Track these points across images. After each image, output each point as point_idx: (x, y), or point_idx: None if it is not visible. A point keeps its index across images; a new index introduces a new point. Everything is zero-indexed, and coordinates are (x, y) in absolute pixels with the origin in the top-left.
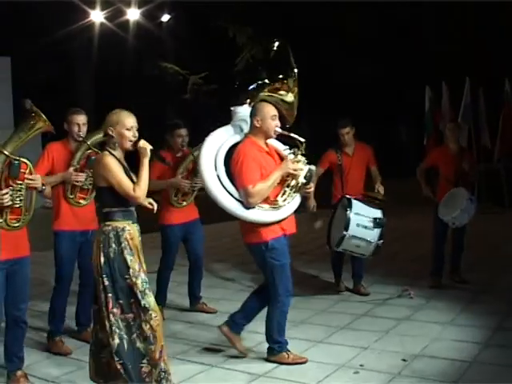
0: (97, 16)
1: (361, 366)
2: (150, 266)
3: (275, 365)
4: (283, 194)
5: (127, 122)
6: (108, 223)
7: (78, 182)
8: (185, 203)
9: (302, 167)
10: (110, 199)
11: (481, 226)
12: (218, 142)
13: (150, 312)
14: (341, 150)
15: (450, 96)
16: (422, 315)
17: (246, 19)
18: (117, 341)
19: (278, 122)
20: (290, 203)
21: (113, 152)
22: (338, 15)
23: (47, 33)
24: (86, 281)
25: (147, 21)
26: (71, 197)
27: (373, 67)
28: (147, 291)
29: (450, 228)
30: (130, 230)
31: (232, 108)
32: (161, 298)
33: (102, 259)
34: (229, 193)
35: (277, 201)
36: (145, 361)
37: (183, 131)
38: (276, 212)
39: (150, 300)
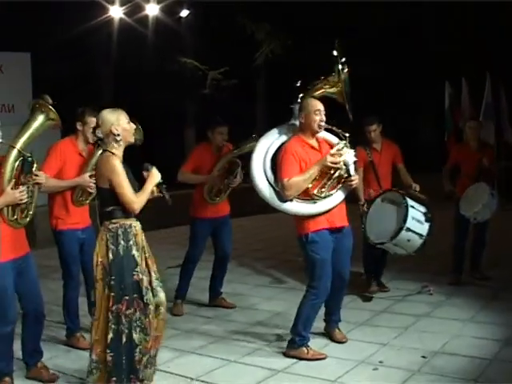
0: (116, 12)
1: (380, 362)
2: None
3: (294, 360)
4: (322, 186)
5: (125, 117)
6: (115, 221)
7: (91, 188)
8: (218, 199)
9: (343, 159)
10: (115, 198)
11: (502, 223)
12: (270, 140)
13: (150, 306)
14: (369, 147)
15: (469, 92)
16: (442, 312)
17: (263, 15)
18: (111, 335)
19: (322, 117)
20: (333, 196)
21: (116, 152)
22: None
23: (67, 29)
24: (88, 277)
25: (166, 16)
26: (80, 199)
27: (386, 64)
28: (150, 287)
29: (472, 224)
30: (136, 226)
31: (292, 106)
32: (181, 291)
33: (111, 257)
34: (272, 187)
35: (316, 194)
36: (137, 350)
37: (224, 129)
38: (315, 205)
39: (150, 295)
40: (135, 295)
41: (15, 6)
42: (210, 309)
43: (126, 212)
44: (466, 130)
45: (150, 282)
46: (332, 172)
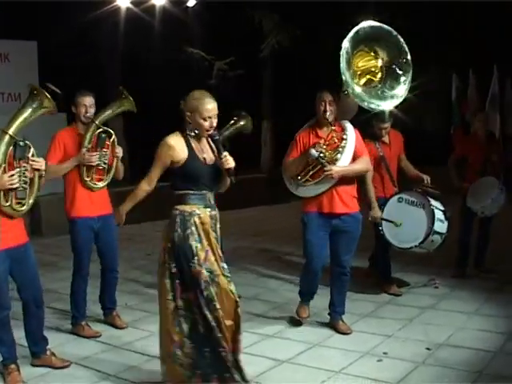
0: (123, 1)
1: (384, 353)
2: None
3: (299, 351)
4: (306, 173)
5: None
6: (176, 207)
7: (91, 162)
8: None
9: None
10: (178, 181)
11: (507, 217)
12: None
13: (214, 303)
14: (378, 141)
15: (477, 85)
16: (447, 304)
17: (272, 6)
18: (189, 325)
19: (326, 107)
20: (316, 183)
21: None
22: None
23: (73, 17)
24: (110, 265)
25: (173, 6)
26: (87, 179)
27: None
28: (214, 280)
29: (477, 218)
30: (200, 213)
31: None
32: None
33: (169, 244)
34: None
35: (298, 179)
36: (220, 346)
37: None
38: (303, 188)
39: (212, 291)
40: (197, 289)
41: None
42: None
43: (196, 194)
44: (475, 123)
45: (214, 274)
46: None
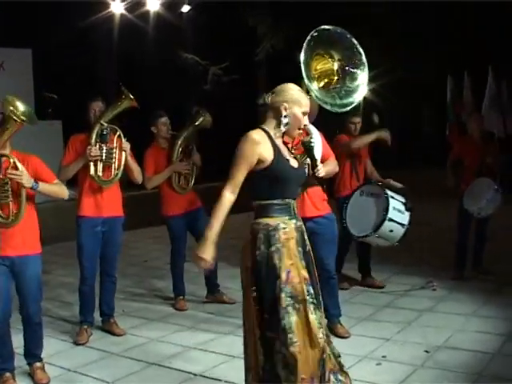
0: (117, 7)
1: (383, 357)
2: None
3: None
4: None
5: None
6: (258, 220)
7: (95, 155)
8: (188, 187)
9: None
10: (261, 187)
11: (505, 217)
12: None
13: (290, 335)
14: (352, 136)
15: (472, 86)
16: (445, 306)
17: (266, 9)
18: (262, 358)
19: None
20: None
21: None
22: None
23: (68, 25)
24: (109, 270)
25: (167, 12)
26: (94, 175)
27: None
28: (292, 308)
29: (474, 219)
30: (286, 228)
31: None
32: (177, 288)
33: (250, 264)
34: None
35: None
36: None
37: (166, 119)
38: None
39: (291, 320)
40: (275, 317)
41: (16, 2)
42: (212, 304)
43: (280, 204)
44: (471, 123)
45: (298, 300)
46: None
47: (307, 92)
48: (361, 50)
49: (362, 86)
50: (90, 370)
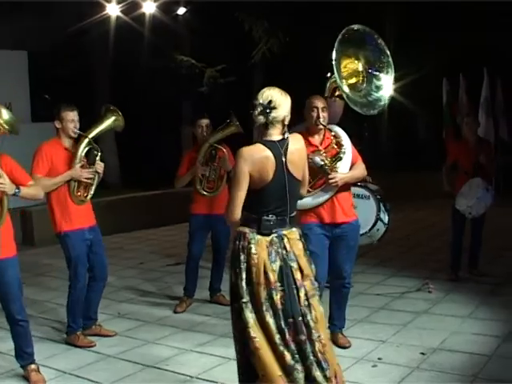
0: (113, 9)
1: (379, 359)
2: None
3: None
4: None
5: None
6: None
7: (88, 178)
8: (214, 191)
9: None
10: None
11: (500, 219)
12: None
13: (313, 331)
14: None
15: (467, 88)
16: (441, 308)
17: (262, 12)
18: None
19: (319, 113)
20: (316, 193)
21: None
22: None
23: (64, 27)
24: (103, 274)
25: (163, 14)
26: (78, 194)
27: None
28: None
29: (468, 221)
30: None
31: None
32: (187, 288)
33: (275, 267)
34: None
35: None
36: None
37: (202, 122)
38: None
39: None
40: (300, 318)
41: (12, 4)
42: (210, 306)
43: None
44: (463, 127)
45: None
46: (315, 171)
47: (330, 96)
48: (387, 52)
49: (386, 88)
50: (85, 373)
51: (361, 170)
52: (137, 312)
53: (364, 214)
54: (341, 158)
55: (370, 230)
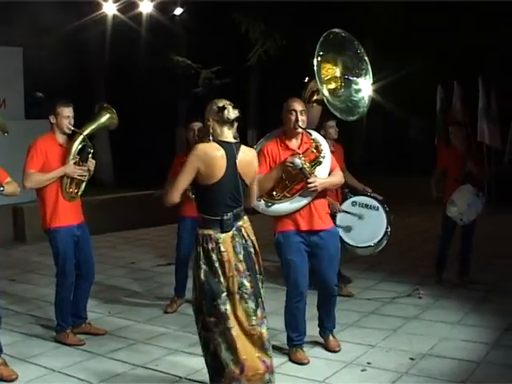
0: (110, 8)
1: (368, 363)
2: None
3: (283, 360)
4: (283, 188)
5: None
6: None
7: (81, 175)
8: None
9: (290, 161)
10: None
11: (492, 227)
12: (259, 144)
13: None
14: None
15: (462, 96)
16: (431, 314)
17: (258, 14)
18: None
19: (298, 116)
20: (293, 199)
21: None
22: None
23: (60, 24)
24: (91, 272)
25: (160, 14)
26: (69, 191)
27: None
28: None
29: (459, 227)
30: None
31: None
32: (176, 289)
33: (241, 257)
34: None
35: (273, 195)
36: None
37: (194, 125)
38: (274, 206)
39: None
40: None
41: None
42: None
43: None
44: (451, 136)
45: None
46: (293, 175)
47: (311, 97)
48: (366, 59)
49: (365, 90)
50: (74, 371)
51: (339, 177)
52: (127, 311)
53: (372, 225)
54: (320, 163)
55: (378, 242)
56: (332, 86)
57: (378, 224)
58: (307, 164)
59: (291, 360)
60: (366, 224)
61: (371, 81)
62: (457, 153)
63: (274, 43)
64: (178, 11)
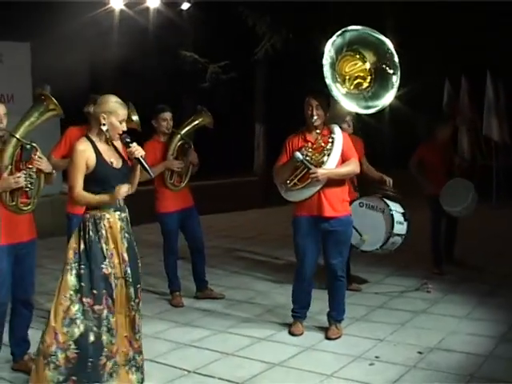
0: (117, 3)
1: (376, 357)
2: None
3: (291, 354)
4: (294, 177)
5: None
6: (88, 211)
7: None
8: (181, 185)
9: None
10: (89, 186)
11: (499, 222)
12: None
13: (115, 306)
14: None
15: (469, 90)
16: (439, 308)
17: (265, 8)
18: (80, 330)
19: (313, 111)
20: (305, 188)
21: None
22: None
23: (67, 19)
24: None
25: (167, 9)
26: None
27: None
28: (116, 283)
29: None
30: (110, 218)
31: None
32: (173, 284)
33: (82, 246)
34: None
35: (286, 183)
36: (103, 353)
37: (167, 115)
38: (292, 193)
39: (114, 293)
40: (103, 290)
41: None
42: (207, 302)
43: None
44: (437, 130)
45: (116, 277)
46: (299, 166)
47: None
48: (393, 51)
49: (390, 91)
50: None
51: (350, 167)
52: None
53: (375, 228)
54: (326, 154)
55: (382, 246)
56: (356, 81)
57: (378, 228)
58: (314, 155)
59: (289, 332)
60: (370, 227)
61: (398, 76)
62: (439, 146)
63: (280, 37)
64: (186, 6)
